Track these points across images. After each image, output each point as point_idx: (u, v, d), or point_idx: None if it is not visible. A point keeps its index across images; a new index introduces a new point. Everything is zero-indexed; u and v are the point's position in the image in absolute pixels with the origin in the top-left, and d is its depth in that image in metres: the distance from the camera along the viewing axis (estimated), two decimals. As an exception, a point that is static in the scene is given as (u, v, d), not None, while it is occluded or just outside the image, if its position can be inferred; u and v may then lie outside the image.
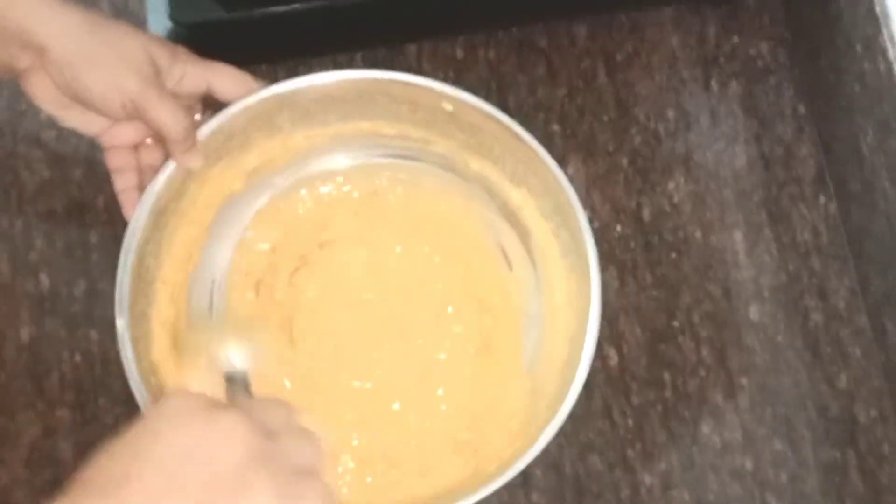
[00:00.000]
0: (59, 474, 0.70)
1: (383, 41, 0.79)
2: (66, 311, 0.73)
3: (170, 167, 0.66)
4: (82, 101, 0.64)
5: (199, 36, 0.73)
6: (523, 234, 0.72)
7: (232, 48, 0.76)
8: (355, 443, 0.70)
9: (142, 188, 0.67)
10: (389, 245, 0.74)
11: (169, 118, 0.64)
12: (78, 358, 0.72)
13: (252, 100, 0.67)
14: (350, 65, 0.78)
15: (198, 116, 0.68)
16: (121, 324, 0.63)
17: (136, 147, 0.68)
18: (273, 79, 0.68)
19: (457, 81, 0.77)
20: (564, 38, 0.80)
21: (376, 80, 0.69)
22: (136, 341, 0.64)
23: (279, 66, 0.78)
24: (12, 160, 0.75)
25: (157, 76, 0.64)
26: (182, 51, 0.66)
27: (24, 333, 0.73)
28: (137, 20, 0.77)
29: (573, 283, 0.69)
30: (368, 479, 0.69)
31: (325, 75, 0.68)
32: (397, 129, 0.71)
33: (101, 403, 0.72)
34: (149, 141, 0.68)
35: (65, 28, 0.62)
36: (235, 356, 0.69)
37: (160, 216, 0.67)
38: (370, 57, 0.79)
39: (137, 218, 0.65)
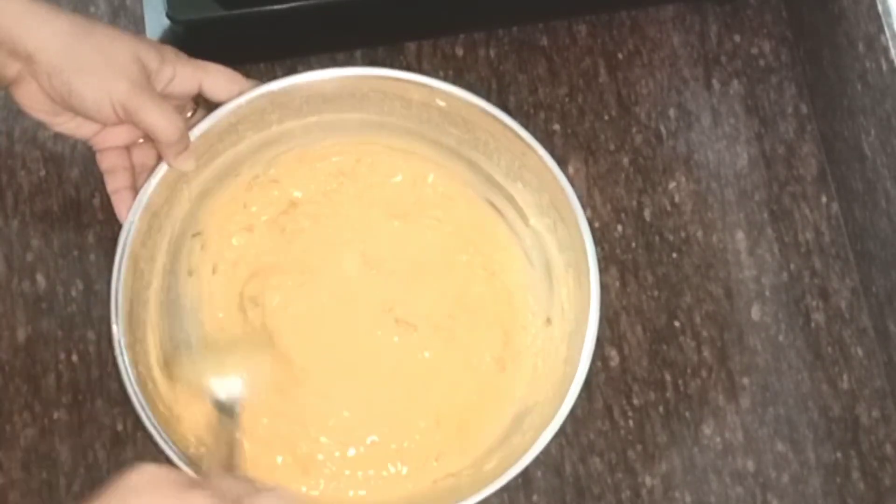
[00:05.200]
0: (56, 476, 0.70)
1: (383, 39, 0.78)
2: (62, 311, 0.73)
3: (162, 169, 0.66)
4: (73, 107, 0.63)
5: (196, 34, 0.73)
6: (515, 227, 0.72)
7: (230, 46, 0.76)
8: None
9: (134, 188, 0.67)
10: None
11: (161, 121, 0.63)
12: (75, 358, 0.72)
13: (244, 99, 0.67)
14: (349, 63, 0.78)
15: (189, 114, 0.68)
16: (116, 330, 0.63)
17: (128, 147, 0.68)
18: (271, 77, 0.68)
19: (457, 80, 0.77)
20: (565, 36, 0.80)
21: (368, 77, 0.68)
22: (131, 346, 0.64)
23: (277, 64, 0.77)
24: (9, 160, 0.75)
25: (147, 79, 0.63)
26: (171, 51, 0.65)
27: (21, 334, 0.72)
28: (135, 18, 0.77)
29: (571, 282, 0.68)
30: (384, 474, 0.69)
31: (318, 73, 0.68)
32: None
33: (98, 405, 0.71)
34: (141, 140, 0.67)
35: (52, 35, 0.61)
36: (222, 388, 0.67)
37: (153, 219, 0.67)
38: (369, 55, 0.78)
39: (131, 222, 0.65)
